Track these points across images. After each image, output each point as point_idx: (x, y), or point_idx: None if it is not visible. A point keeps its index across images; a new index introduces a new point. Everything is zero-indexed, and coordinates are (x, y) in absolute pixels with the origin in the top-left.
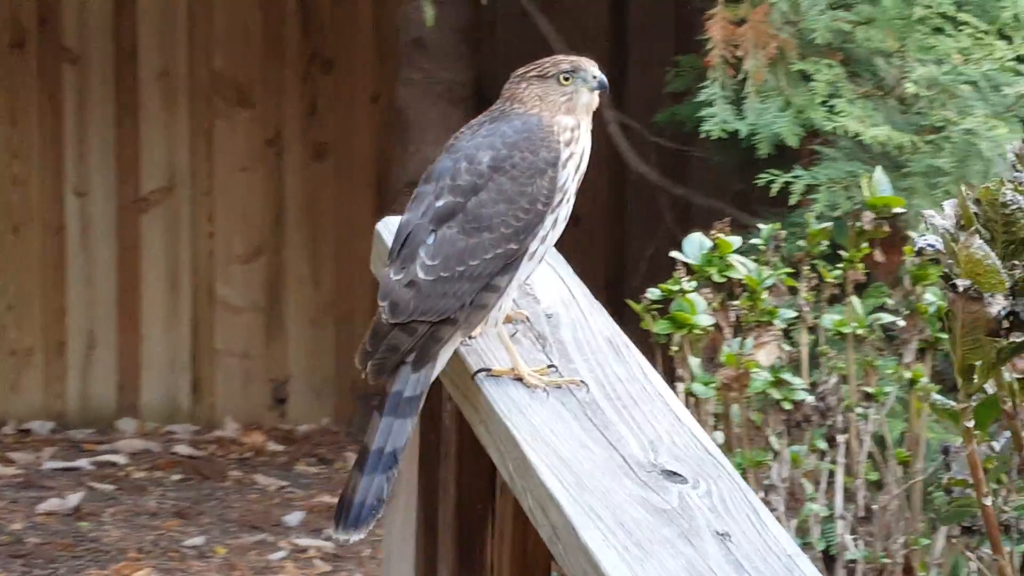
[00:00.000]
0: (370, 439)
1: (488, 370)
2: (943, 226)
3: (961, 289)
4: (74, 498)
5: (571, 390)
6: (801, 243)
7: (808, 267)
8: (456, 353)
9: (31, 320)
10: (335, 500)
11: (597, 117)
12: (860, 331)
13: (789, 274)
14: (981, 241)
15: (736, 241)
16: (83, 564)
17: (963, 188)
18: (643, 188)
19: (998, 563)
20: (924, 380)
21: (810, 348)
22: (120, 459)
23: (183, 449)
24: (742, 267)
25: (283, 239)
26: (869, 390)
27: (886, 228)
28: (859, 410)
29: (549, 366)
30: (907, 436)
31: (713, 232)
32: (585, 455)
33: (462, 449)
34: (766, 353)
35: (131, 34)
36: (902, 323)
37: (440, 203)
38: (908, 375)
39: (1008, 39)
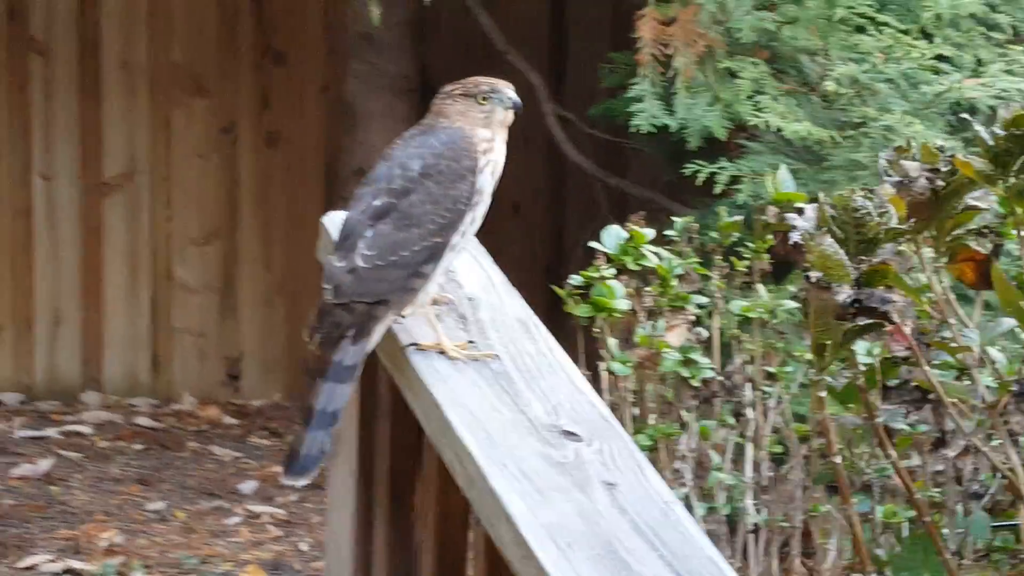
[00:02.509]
0: (314, 400)
1: (416, 344)
2: (803, 227)
3: (813, 280)
4: (44, 464)
5: (486, 362)
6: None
7: (720, 256)
8: (389, 330)
9: (0, 298)
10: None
11: (536, 110)
12: (765, 316)
13: (702, 263)
14: (831, 239)
15: (650, 233)
16: (54, 524)
17: (821, 195)
18: (580, 178)
19: (847, 515)
20: None
21: (724, 332)
22: (86, 429)
23: (144, 421)
24: (654, 257)
25: (237, 223)
26: (771, 369)
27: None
28: (765, 388)
29: (469, 342)
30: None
31: (628, 224)
32: (496, 417)
33: (395, 412)
34: (676, 335)
35: (95, 27)
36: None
37: (377, 203)
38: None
39: (930, 38)
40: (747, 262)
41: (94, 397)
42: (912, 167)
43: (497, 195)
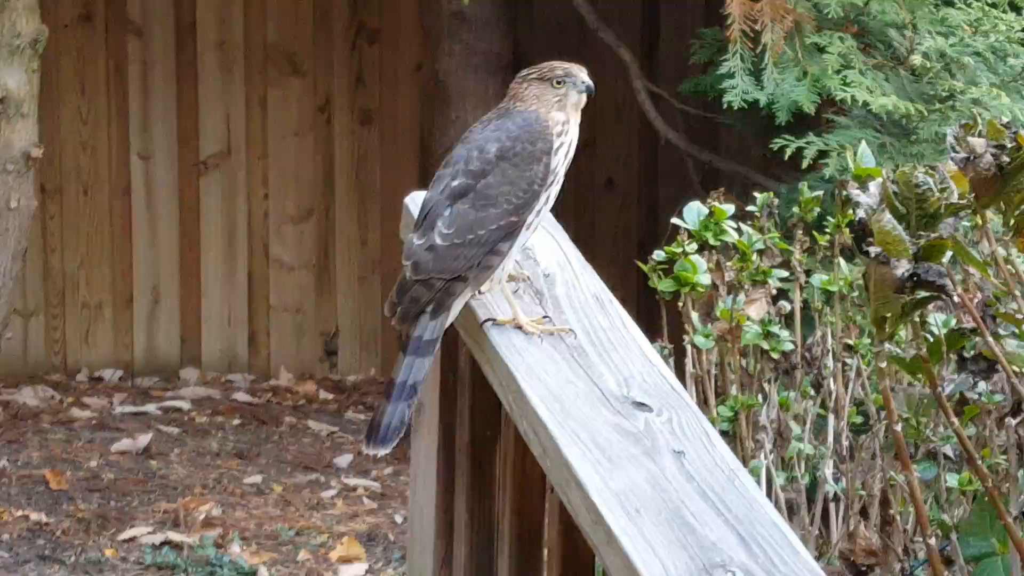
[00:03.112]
0: (395, 373)
1: (493, 320)
2: (867, 203)
3: (873, 255)
4: (144, 439)
5: (561, 337)
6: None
7: (802, 231)
8: (467, 306)
9: (101, 276)
10: None
11: (629, 87)
12: (844, 290)
13: (784, 238)
14: (890, 216)
15: (730, 208)
16: (154, 498)
17: (885, 171)
18: (673, 154)
19: (907, 479)
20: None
21: (808, 305)
22: (184, 405)
23: (241, 396)
24: (734, 232)
25: (332, 201)
26: (850, 342)
27: None
28: (845, 360)
29: (544, 317)
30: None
31: (710, 200)
32: (570, 389)
33: (474, 385)
34: (756, 309)
35: (190, 7)
36: None
37: (456, 183)
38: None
39: (1019, 11)
40: (828, 236)
41: (192, 373)
42: (978, 143)
43: (591, 171)
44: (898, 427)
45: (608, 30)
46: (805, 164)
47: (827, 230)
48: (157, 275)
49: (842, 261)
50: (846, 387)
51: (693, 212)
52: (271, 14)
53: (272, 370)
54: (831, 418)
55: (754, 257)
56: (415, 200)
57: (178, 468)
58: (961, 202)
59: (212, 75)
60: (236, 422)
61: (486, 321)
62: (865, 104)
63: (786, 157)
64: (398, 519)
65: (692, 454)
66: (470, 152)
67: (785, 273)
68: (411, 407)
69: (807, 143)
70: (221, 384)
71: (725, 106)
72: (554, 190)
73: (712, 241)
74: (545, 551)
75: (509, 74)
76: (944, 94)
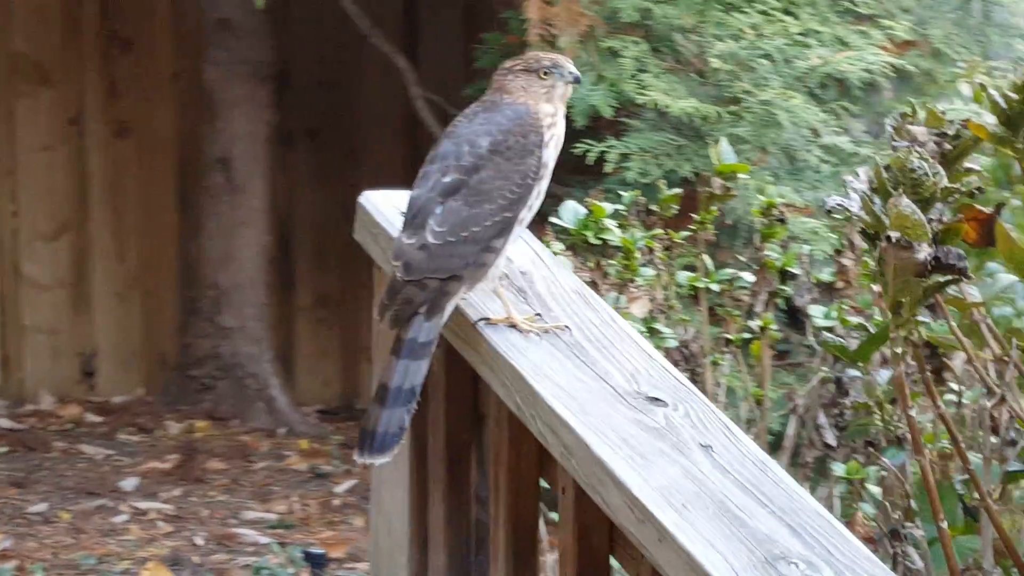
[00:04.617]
0: (388, 378)
1: (487, 319)
2: (861, 189)
3: (893, 240)
4: None
5: (557, 334)
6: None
7: (661, 229)
8: (456, 307)
9: None
10: (163, 465)
11: (402, 94)
12: (711, 286)
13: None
14: (908, 200)
15: (608, 207)
16: None
17: (876, 157)
18: None
19: (920, 464)
20: (773, 327)
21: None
22: None
23: (3, 422)
24: (617, 231)
25: (87, 216)
26: (729, 336)
27: (733, 192)
28: (715, 356)
29: (536, 314)
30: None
31: (587, 200)
32: (581, 386)
33: (449, 390)
34: (639, 306)
35: None
36: (752, 278)
37: (447, 179)
38: (758, 323)
39: (794, 15)
40: (687, 233)
41: None
42: (920, 132)
43: (355, 182)
44: (912, 412)
45: (381, 37)
46: (610, 167)
47: (691, 227)
48: None
49: (707, 258)
50: (717, 383)
51: (570, 212)
52: (17, 22)
53: (28, 393)
54: None
55: (637, 255)
56: (369, 199)
57: None
58: (955, 185)
59: None
60: (3, 450)
61: (479, 321)
62: (666, 107)
63: (590, 161)
64: (198, 541)
65: (719, 447)
66: (459, 147)
67: (652, 272)
68: (410, 413)
69: (609, 147)
70: None
71: None
72: (544, 184)
73: (592, 240)
74: (545, 555)
75: (278, 84)
76: (732, 96)
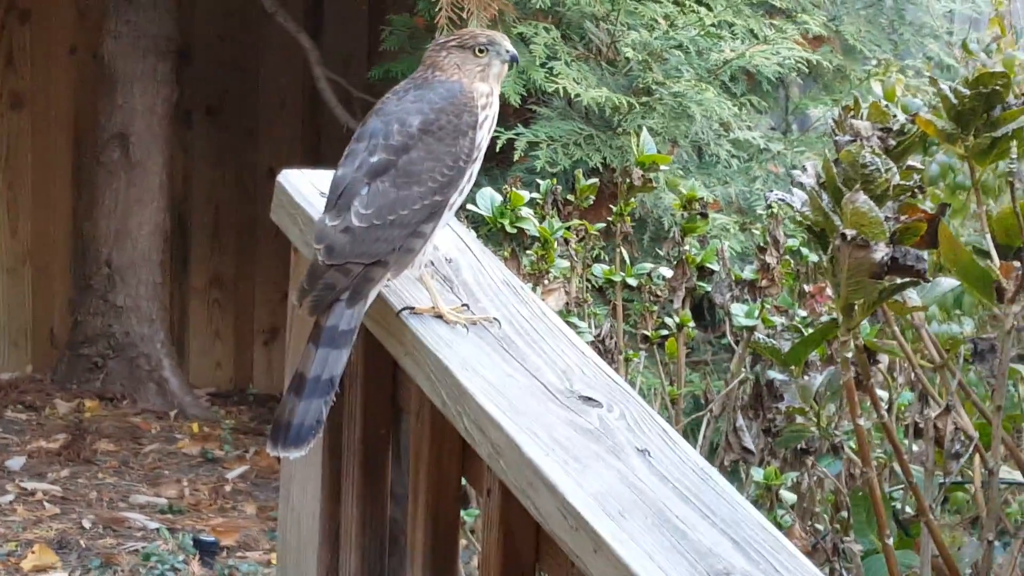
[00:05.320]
0: (306, 367)
1: (412, 308)
2: (809, 184)
3: (849, 238)
4: None
5: (486, 326)
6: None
7: (577, 220)
8: (378, 294)
9: None
10: (51, 445)
11: (295, 75)
12: (628, 279)
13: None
14: (865, 196)
15: (525, 195)
16: None
17: (826, 151)
18: (338, 144)
19: (867, 477)
20: (691, 324)
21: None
22: None
23: None
24: (534, 220)
25: None
26: (647, 333)
27: (653, 184)
28: (628, 353)
29: (463, 304)
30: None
31: (505, 187)
32: (512, 383)
33: (367, 381)
34: (555, 299)
35: None
36: (670, 273)
37: (374, 159)
38: (676, 319)
39: (708, 7)
40: (602, 225)
41: None
42: (863, 126)
43: (253, 161)
44: (861, 420)
45: (287, 16)
46: (518, 155)
47: (610, 219)
48: None
49: (624, 251)
50: (632, 382)
51: (486, 198)
52: None
53: None
54: None
55: (556, 246)
56: (288, 179)
57: None
58: (907, 183)
59: None
60: None
61: (403, 310)
62: (576, 96)
63: (498, 148)
64: (86, 524)
65: (657, 452)
66: (388, 125)
67: (566, 263)
68: (328, 404)
69: (517, 134)
70: None
71: None
72: (476, 167)
73: (509, 229)
74: (466, 561)
75: (178, 59)
76: (643, 87)
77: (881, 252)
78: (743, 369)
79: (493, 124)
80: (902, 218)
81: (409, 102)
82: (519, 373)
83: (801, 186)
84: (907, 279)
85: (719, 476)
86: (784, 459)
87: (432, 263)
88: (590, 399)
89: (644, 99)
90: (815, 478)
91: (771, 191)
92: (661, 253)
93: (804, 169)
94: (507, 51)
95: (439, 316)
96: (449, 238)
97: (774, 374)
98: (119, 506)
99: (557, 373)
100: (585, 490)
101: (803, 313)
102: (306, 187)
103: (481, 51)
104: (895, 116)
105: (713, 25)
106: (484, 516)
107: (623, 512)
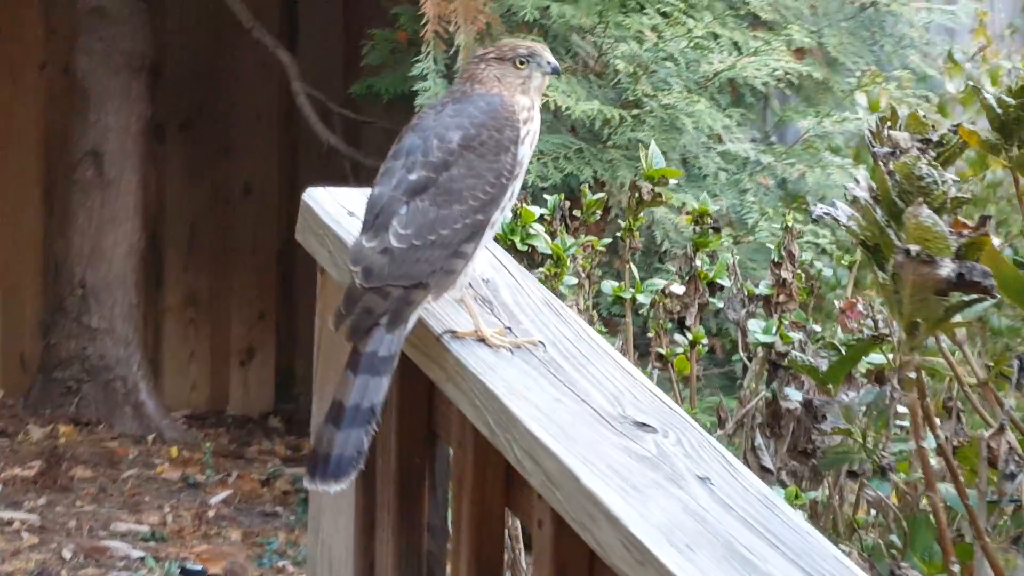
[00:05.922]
0: (344, 396)
1: (453, 332)
2: (863, 197)
3: (913, 254)
4: None
5: (530, 349)
6: None
7: (584, 235)
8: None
9: None
10: (26, 472)
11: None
12: (637, 296)
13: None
14: (929, 211)
15: (536, 211)
16: None
17: (875, 164)
18: (316, 160)
19: (932, 503)
20: (704, 341)
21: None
22: None
23: None
24: (546, 236)
25: None
26: (661, 351)
27: (661, 199)
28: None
29: (506, 327)
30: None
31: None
32: (561, 408)
33: (402, 408)
34: None
35: None
36: (681, 289)
37: (413, 177)
38: (690, 336)
39: (694, 18)
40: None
41: None
42: (902, 137)
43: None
44: (924, 443)
45: (264, 31)
46: None
47: (618, 233)
48: None
49: (632, 267)
50: None
51: None
52: None
53: None
54: None
55: (568, 263)
56: (314, 197)
57: None
58: (966, 196)
59: None
60: None
61: (444, 333)
62: (567, 109)
63: None
64: (66, 554)
65: (718, 480)
66: (427, 141)
67: (574, 280)
68: (367, 435)
69: None
70: None
71: (417, 108)
72: (518, 184)
73: (519, 246)
74: None
75: (152, 76)
76: (632, 99)
77: (948, 268)
78: (756, 385)
79: (535, 139)
80: (964, 233)
81: (448, 116)
82: (568, 398)
83: (855, 200)
84: (974, 295)
85: (785, 504)
86: (801, 478)
87: (471, 284)
88: (644, 424)
89: (635, 112)
90: (862, 501)
91: (783, 208)
92: (658, 267)
93: (857, 182)
94: (548, 62)
95: (482, 340)
96: (483, 256)
97: (792, 392)
98: (100, 534)
99: (607, 397)
100: (648, 521)
101: (817, 328)
102: (332, 206)
103: (522, 63)
104: (933, 127)
105: (701, 37)
106: (535, 550)
107: (690, 544)
